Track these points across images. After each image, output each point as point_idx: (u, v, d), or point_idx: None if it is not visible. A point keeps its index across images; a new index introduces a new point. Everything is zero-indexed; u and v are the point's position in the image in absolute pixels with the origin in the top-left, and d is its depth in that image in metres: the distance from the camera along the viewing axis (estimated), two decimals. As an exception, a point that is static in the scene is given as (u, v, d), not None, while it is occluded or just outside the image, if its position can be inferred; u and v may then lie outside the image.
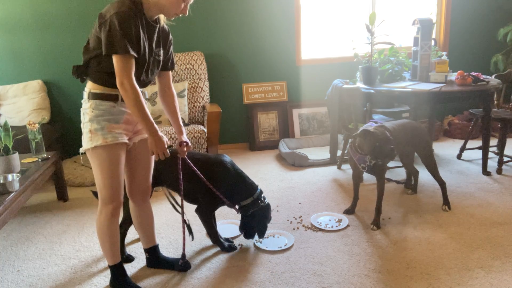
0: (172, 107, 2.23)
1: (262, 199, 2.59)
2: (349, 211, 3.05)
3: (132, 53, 1.86)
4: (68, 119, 4.42)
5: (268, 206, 2.61)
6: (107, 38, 1.84)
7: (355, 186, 3.02)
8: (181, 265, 2.42)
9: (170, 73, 2.24)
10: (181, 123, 2.26)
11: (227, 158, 2.58)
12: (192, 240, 2.69)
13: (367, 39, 3.58)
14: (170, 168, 2.45)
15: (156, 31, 2.03)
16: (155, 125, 1.98)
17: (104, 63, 1.94)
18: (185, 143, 2.25)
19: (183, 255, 2.42)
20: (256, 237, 2.74)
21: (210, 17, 4.45)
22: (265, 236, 2.77)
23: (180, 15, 2.01)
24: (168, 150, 2.04)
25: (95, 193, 2.73)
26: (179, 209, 2.45)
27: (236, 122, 4.78)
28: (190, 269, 2.45)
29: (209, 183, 2.46)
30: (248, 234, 2.63)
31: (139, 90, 1.92)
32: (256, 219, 2.59)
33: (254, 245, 2.68)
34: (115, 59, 1.87)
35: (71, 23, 4.23)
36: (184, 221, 2.39)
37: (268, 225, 2.92)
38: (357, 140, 2.75)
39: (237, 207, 2.59)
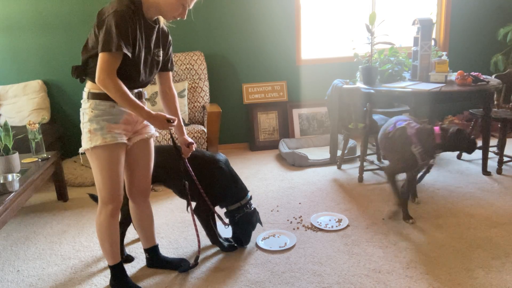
0: (173, 108, 2.25)
1: (249, 205, 2.57)
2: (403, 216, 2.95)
3: (125, 51, 1.85)
4: (68, 119, 4.42)
5: (252, 212, 2.58)
6: (103, 36, 1.84)
7: (412, 187, 3.04)
8: (191, 266, 2.44)
9: (171, 74, 2.25)
10: (182, 124, 2.28)
11: (222, 157, 2.58)
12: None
13: (367, 39, 3.58)
14: (169, 166, 2.45)
15: (155, 32, 2.03)
16: (146, 108, 1.97)
17: None
18: (191, 144, 2.29)
19: (197, 257, 2.45)
20: (259, 237, 2.74)
21: (210, 17, 4.45)
22: (266, 236, 2.76)
23: (178, 19, 2.01)
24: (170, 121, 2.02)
25: (91, 196, 2.72)
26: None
27: (236, 122, 4.78)
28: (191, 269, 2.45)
29: (203, 180, 2.46)
30: (237, 241, 2.63)
31: (120, 82, 1.88)
32: (240, 225, 2.57)
33: (256, 245, 2.68)
34: (103, 56, 1.84)
35: (71, 23, 4.23)
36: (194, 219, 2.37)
37: (269, 224, 2.92)
38: (451, 140, 2.71)
39: (225, 210, 2.59)
